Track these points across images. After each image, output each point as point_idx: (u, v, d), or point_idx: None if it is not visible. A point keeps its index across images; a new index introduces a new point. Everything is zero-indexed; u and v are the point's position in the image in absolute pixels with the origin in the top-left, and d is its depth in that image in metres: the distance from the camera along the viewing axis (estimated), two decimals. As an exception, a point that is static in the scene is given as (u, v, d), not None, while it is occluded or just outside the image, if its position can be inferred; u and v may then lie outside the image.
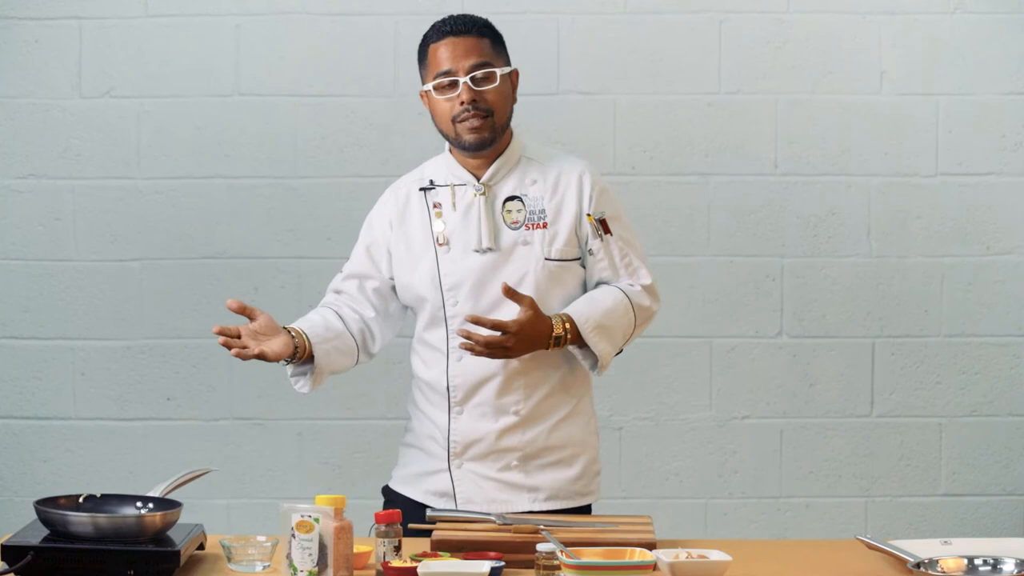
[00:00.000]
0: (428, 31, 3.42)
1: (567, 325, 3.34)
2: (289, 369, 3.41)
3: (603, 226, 3.43)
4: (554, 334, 3.32)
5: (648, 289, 3.47)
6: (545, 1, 4.87)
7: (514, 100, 3.45)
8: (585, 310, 3.36)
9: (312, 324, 3.41)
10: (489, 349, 3.27)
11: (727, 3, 4.87)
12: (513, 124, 3.45)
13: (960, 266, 4.92)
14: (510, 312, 3.32)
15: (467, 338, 3.26)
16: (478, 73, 3.36)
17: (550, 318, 3.33)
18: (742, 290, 4.92)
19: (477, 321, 3.27)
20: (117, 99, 4.88)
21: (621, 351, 3.46)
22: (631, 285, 3.45)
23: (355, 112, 4.88)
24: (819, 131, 4.90)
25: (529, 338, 3.30)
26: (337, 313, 3.48)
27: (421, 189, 3.46)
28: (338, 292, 3.54)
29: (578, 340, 3.35)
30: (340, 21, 4.87)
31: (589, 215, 3.43)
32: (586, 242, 3.43)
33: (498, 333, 3.27)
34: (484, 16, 3.45)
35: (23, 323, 4.90)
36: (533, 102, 4.60)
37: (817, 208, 4.91)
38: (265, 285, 4.89)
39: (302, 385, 3.42)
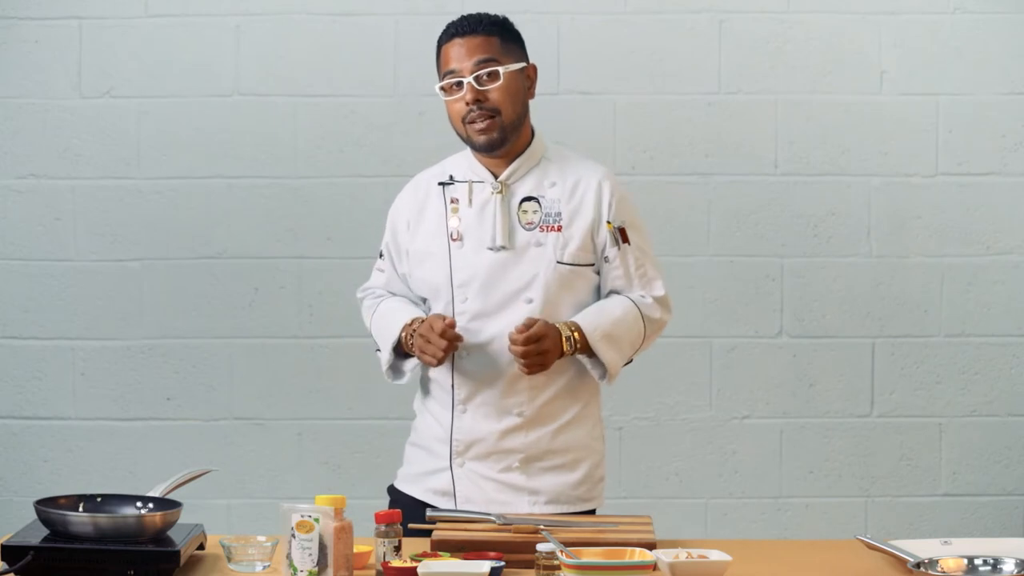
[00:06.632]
0: (441, 32, 3.42)
1: (575, 334, 3.33)
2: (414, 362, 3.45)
3: (622, 235, 3.42)
4: (563, 336, 3.32)
5: (660, 301, 3.46)
6: (545, 1, 4.86)
7: (530, 96, 3.44)
8: (594, 319, 3.36)
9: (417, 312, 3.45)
10: (527, 359, 3.26)
11: (727, 3, 4.87)
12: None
13: (960, 266, 4.92)
14: (518, 313, 3.34)
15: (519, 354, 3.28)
16: (482, 73, 3.34)
17: (558, 325, 3.33)
18: (742, 290, 4.91)
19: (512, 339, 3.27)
20: (117, 99, 4.88)
21: (631, 361, 3.46)
22: (642, 296, 3.44)
23: (355, 112, 4.87)
24: (819, 131, 4.90)
25: (554, 342, 3.29)
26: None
27: (440, 184, 3.46)
28: (395, 295, 3.53)
29: (587, 349, 3.35)
30: (340, 21, 4.87)
31: (609, 223, 3.41)
32: (603, 249, 3.42)
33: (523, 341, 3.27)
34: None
35: (23, 323, 4.90)
36: (533, 102, 4.59)
37: (817, 208, 4.91)
38: (265, 285, 4.89)
39: (407, 376, 3.49)
